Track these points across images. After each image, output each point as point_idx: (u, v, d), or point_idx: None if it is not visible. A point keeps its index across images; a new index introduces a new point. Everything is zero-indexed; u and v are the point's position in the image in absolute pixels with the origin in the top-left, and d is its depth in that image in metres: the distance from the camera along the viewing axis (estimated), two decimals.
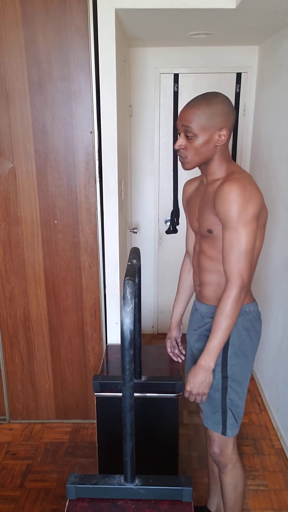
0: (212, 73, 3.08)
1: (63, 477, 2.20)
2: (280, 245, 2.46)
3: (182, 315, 1.88)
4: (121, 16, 2.11)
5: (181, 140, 1.48)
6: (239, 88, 3.10)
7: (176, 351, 1.91)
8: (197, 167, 1.55)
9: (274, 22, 2.29)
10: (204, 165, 1.53)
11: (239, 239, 1.40)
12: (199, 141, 1.45)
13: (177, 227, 3.41)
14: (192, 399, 1.53)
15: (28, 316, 2.41)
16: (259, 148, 2.97)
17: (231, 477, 1.69)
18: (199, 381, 1.49)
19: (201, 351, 1.62)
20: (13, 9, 1.99)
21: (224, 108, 1.45)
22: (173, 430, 1.95)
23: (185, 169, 1.53)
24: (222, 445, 1.65)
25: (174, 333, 1.88)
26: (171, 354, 1.92)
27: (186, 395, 1.54)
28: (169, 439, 1.95)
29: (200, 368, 1.48)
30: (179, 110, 3.16)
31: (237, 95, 3.12)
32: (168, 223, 3.41)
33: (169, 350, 1.91)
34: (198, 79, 3.11)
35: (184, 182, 1.76)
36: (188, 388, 1.51)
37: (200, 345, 1.66)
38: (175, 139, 3.24)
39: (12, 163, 2.19)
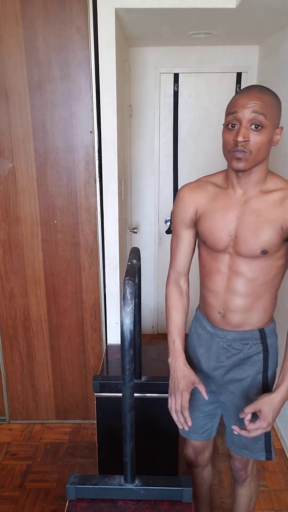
0: (212, 73, 3.08)
1: (63, 478, 2.20)
2: None
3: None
4: (121, 15, 2.11)
5: (247, 131, 1.23)
6: (239, 88, 3.10)
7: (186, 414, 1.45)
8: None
9: (275, 22, 2.28)
10: (248, 170, 1.31)
11: None
12: (268, 134, 1.25)
13: None
14: (257, 433, 1.32)
15: (28, 316, 2.41)
16: None
17: (248, 489, 1.65)
18: (277, 415, 1.33)
19: (238, 381, 1.48)
20: (13, 9, 1.99)
21: (280, 105, 1.29)
22: (173, 431, 1.94)
23: (242, 168, 1.27)
24: (246, 461, 1.57)
25: (193, 377, 1.44)
26: (179, 424, 1.46)
27: (251, 429, 1.31)
28: (169, 440, 1.94)
29: (282, 402, 1.31)
30: (179, 110, 3.17)
31: None
32: (168, 223, 3.41)
33: (176, 419, 1.47)
34: (198, 79, 3.11)
35: (183, 187, 1.48)
36: (265, 424, 1.30)
37: (235, 375, 1.47)
38: (175, 139, 3.24)
39: (12, 163, 2.19)
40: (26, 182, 2.21)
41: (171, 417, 1.49)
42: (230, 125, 1.27)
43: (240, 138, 1.23)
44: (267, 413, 1.31)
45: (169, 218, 3.40)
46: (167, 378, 1.87)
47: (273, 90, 1.31)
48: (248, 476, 1.62)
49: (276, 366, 1.51)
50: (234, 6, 1.97)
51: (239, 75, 3.09)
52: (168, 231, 3.41)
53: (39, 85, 2.08)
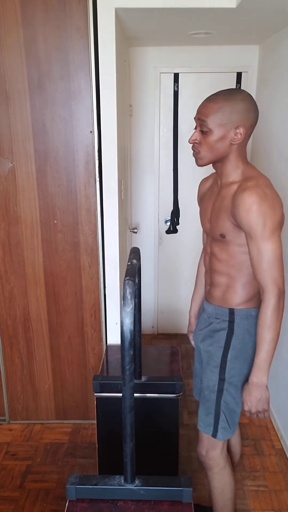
0: (213, 72, 3.07)
1: (63, 478, 2.19)
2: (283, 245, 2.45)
3: (200, 309, 1.85)
4: (121, 15, 2.11)
5: (196, 134, 1.46)
6: (240, 87, 3.10)
7: None
8: (210, 165, 1.53)
9: (275, 22, 2.28)
10: (219, 164, 1.50)
11: (268, 248, 1.37)
12: (214, 137, 1.43)
13: (177, 227, 3.40)
14: (254, 416, 1.51)
15: (27, 316, 2.41)
16: (259, 147, 2.97)
17: (218, 481, 1.69)
18: (256, 399, 1.46)
19: (206, 352, 1.63)
20: (13, 9, 1.99)
21: (244, 105, 1.42)
22: (173, 431, 1.94)
23: (198, 165, 1.51)
24: (209, 447, 1.66)
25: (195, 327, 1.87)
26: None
27: (247, 414, 1.51)
28: (169, 440, 1.94)
29: (253, 385, 1.45)
30: (179, 109, 3.17)
31: None
32: (168, 223, 3.41)
33: (193, 343, 1.87)
34: (198, 79, 3.11)
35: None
36: (246, 408, 1.49)
37: (205, 345, 1.64)
38: (175, 139, 3.24)
39: (12, 163, 2.19)
40: (26, 182, 2.21)
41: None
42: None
43: (189, 141, 1.48)
44: (245, 398, 1.48)
45: (169, 218, 3.40)
46: (167, 378, 1.87)
47: (238, 91, 1.48)
48: (213, 466, 1.67)
49: (240, 347, 1.56)
50: (234, 6, 1.97)
51: (239, 75, 3.08)
52: (168, 231, 3.41)
53: (39, 84, 2.08)
